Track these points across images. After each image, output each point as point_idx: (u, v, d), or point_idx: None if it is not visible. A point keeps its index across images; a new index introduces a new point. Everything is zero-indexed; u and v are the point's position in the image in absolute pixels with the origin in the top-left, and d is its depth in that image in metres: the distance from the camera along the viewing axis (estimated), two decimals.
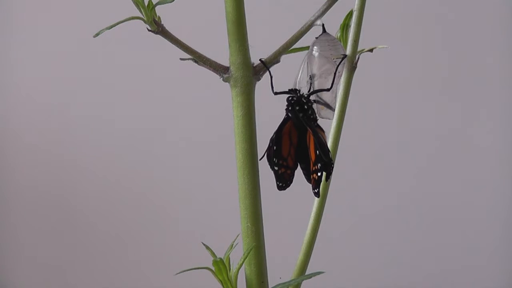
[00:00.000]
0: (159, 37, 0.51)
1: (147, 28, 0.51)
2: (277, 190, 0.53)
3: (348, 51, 0.56)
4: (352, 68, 0.56)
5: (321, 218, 0.57)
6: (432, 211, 1.16)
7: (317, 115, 0.52)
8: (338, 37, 0.57)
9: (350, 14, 0.57)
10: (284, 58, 0.52)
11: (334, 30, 0.55)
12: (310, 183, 0.52)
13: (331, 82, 0.51)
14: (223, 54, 0.53)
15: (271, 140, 0.52)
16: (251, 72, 0.51)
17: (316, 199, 0.57)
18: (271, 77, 0.51)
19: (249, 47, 0.51)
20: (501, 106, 1.15)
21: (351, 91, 0.57)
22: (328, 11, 0.51)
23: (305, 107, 0.51)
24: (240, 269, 0.50)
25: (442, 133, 1.16)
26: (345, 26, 0.57)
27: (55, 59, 1.19)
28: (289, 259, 0.67)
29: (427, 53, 1.15)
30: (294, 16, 0.84)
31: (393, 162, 1.16)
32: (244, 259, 0.50)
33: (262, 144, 0.52)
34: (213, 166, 1.18)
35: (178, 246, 1.19)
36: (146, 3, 0.50)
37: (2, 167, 1.21)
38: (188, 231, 1.19)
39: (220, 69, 0.51)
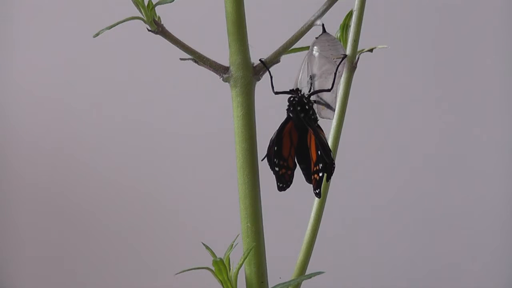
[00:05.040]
0: (159, 37, 0.51)
1: (147, 28, 0.51)
2: (277, 190, 0.53)
3: (348, 51, 0.56)
4: (352, 68, 0.56)
5: (321, 218, 0.57)
6: (433, 211, 1.16)
7: (317, 115, 0.52)
8: (338, 37, 0.57)
9: (350, 14, 0.57)
10: (284, 58, 0.52)
11: (334, 30, 0.55)
12: (310, 183, 0.52)
13: (331, 82, 0.51)
14: (223, 54, 0.53)
15: (272, 140, 0.52)
16: (251, 72, 0.51)
17: (316, 199, 0.57)
18: (271, 77, 0.51)
19: (249, 47, 0.51)
20: (501, 106, 1.15)
21: (351, 91, 0.57)
22: (328, 11, 0.51)
23: (307, 107, 0.51)
24: (240, 269, 0.50)
25: (442, 133, 1.16)
26: (345, 26, 0.57)
27: (56, 59, 1.19)
28: (289, 259, 0.67)
29: (427, 53, 1.15)
30: (294, 16, 0.84)
31: (393, 162, 1.16)
32: (244, 259, 0.50)
33: (262, 144, 0.52)
34: (213, 166, 1.18)
35: (178, 246, 1.19)
36: (146, 3, 0.50)
37: (3, 165, 1.21)
38: (188, 231, 1.19)
39: (220, 69, 0.51)
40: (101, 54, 1.18)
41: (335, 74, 0.51)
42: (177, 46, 0.51)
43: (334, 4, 0.51)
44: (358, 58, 0.56)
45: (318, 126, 0.52)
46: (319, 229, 0.57)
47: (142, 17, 0.50)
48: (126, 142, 1.19)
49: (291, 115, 0.52)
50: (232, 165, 0.53)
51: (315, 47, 0.52)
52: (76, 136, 1.20)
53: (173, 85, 1.18)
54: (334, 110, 0.53)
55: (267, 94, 0.54)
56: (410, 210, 1.16)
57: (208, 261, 0.50)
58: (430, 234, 1.16)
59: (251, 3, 0.58)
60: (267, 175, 0.54)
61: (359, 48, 0.56)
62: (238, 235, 0.51)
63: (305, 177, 0.53)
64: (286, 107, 0.52)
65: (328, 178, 0.51)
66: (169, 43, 0.51)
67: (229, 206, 1.00)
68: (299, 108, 0.51)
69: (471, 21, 1.14)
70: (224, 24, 0.51)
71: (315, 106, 0.52)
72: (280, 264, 0.73)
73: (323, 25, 0.51)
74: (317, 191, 0.51)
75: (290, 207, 1.09)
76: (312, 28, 0.51)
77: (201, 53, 0.52)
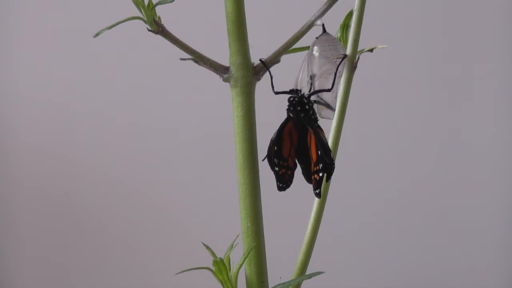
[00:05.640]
0: (159, 37, 0.51)
1: (147, 28, 0.51)
2: (277, 190, 0.53)
3: (348, 51, 0.56)
4: (352, 68, 0.56)
5: (321, 218, 0.57)
6: (432, 211, 1.16)
7: (317, 115, 0.52)
8: (338, 37, 0.57)
9: (350, 14, 0.57)
10: (284, 58, 0.52)
11: (334, 30, 0.55)
12: (309, 183, 0.52)
13: (331, 82, 0.51)
14: (223, 54, 0.53)
15: (272, 140, 0.52)
16: (251, 72, 0.51)
17: (316, 199, 0.57)
18: (271, 77, 0.51)
19: (249, 47, 0.51)
20: (501, 106, 1.15)
21: (351, 91, 0.57)
22: (328, 11, 0.51)
23: (307, 107, 0.51)
24: (240, 269, 0.50)
25: (442, 133, 1.16)
26: (345, 26, 0.57)
27: (56, 58, 1.19)
28: (289, 259, 0.67)
29: (427, 53, 1.15)
30: (294, 16, 0.84)
31: (393, 162, 1.16)
32: (244, 259, 0.50)
33: (262, 144, 0.52)
34: (213, 166, 1.18)
35: (178, 246, 1.19)
36: (146, 3, 0.50)
37: (3, 165, 1.21)
38: (188, 231, 1.19)
39: (220, 69, 0.51)
40: (101, 54, 1.18)
41: (335, 74, 0.51)
42: (177, 46, 0.51)
43: (334, 4, 0.51)
44: (358, 58, 0.56)
45: (318, 126, 0.52)
46: (319, 229, 0.57)
47: (142, 17, 0.50)
48: (126, 143, 1.19)
49: (291, 115, 0.52)
50: (232, 165, 0.53)
51: (315, 47, 0.52)
52: (76, 137, 1.20)
53: (173, 85, 1.18)
54: (334, 110, 0.53)
55: (267, 94, 0.54)
56: (410, 210, 1.16)
57: (208, 261, 0.50)
58: (430, 234, 1.16)
59: (251, 3, 0.58)
60: (267, 175, 0.54)
61: (359, 48, 0.56)
62: (238, 235, 0.51)
63: (305, 177, 0.53)
64: (286, 107, 0.52)
65: (328, 178, 0.51)
66: (169, 43, 0.51)
67: (229, 206, 1.00)
68: (299, 108, 0.51)
69: (472, 21, 1.14)
70: (224, 24, 0.51)
71: (315, 106, 0.52)
72: (280, 264, 0.73)
73: (323, 25, 0.51)
74: (317, 191, 0.51)
75: (290, 207, 1.09)
76: (312, 28, 0.51)
77: (201, 53, 0.52)
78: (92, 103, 1.19)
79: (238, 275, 0.50)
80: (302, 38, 0.52)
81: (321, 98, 0.52)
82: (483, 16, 1.13)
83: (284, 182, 0.53)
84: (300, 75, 0.52)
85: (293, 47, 0.52)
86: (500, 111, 1.15)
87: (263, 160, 0.52)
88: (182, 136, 1.19)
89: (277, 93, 0.52)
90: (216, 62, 0.51)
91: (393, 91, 1.16)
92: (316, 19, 0.51)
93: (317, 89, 0.52)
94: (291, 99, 0.52)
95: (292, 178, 0.53)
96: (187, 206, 1.19)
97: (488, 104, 1.15)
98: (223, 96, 0.64)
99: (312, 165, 0.51)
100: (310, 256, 0.57)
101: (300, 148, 0.52)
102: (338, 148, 0.57)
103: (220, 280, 0.50)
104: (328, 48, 0.51)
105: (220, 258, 0.49)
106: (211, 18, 1.00)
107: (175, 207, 1.19)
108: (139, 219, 1.20)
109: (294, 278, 0.54)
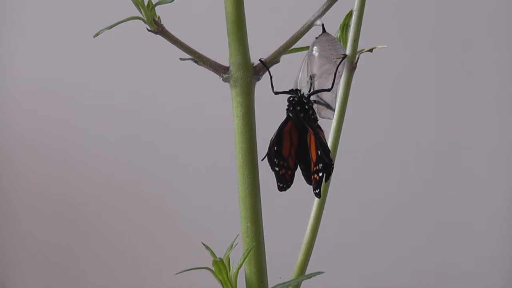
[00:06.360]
0: (159, 37, 0.51)
1: (147, 28, 0.51)
2: (278, 190, 0.53)
3: (348, 51, 0.56)
4: (352, 68, 0.56)
5: (321, 218, 0.57)
6: (432, 212, 1.16)
7: (317, 115, 0.52)
8: (338, 37, 0.57)
9: (350, 14, 0.57)
10: (284, 58, 0.52)
11: (334, 30, 0.55)
12: (309, 183, 0.52)
13: (331, 82, 0.51)
14: (223, 54, 0.53)
15: (272, 140, 0.52)
16: (251, 72, 0.51)
17: (316, 199, 0.57)
18: (271, 77, 0.51)
19: (249, 47, 0.51)
20: (501, 106, 1.15)
21: (351, 91, 0.57)
22: (328, 11, 0.51)
23: (306, 107, 0.51)
24: (240, 269, 0.50)
25: (442, 133, 1.16)
26: (345, 26, 0.57)
27: (56, 58, 1.19)
28: (289, 259, 0.67)
29: (427, 53, 1.15)
30: (294, 16, 0.84)
31: (393, 162, 1.16)
32: (244, 259, 0.50)
33: (262, 144, 0.52)
34: (213, 166, 1.18)
35: (178, 246, 1.19)
36: (146, 3, 0.50)
37: (3, 164, 1.21)
38: (188, 231, 1.19)
39: (220, 69, 0.51)
40: (101, 54, 1.18)
41: (335, 74, 0.51)
42: (177, 46, 0.51)
43: (334, 4, 0.51)
44: (358, 58, 0.56)
45: (318, 126, 0.52)
46: (319, 229, 0.57)
47: (142, 17, 0.50)
48: (125, 143, 1.19)
49: (290, 115, 0.52)
50: (232, 165, 0.53)
51: (315, 47, 0.52)
52: (77, 136, 1.20)
53: (172, 85, 1.18)
54: (334, 110, 0.53)
55: (267, 94, 0.54)
56: (410, 210, 1.16)
57: (208, 261, 0.50)
58: (430, 234, 1.16)
59: (251, 3, 0.58)
60: (267, 175, 0.54)
61: (359, 48, 0.56)
62: (238, 235, 0.51)
63: (305, 178, 0.53)
64: (286, 107, 0.52)
65: (327, 179, 0.51)
66: (169, 43, 0.51)
67: (229, 206, 1.00)
68: (298, 108, 0.51)
69: (471, 21, 1.14)
70: (224, 24, 0.51)
71: (315, 106, 0.52)
72: (280, 264, 0.73)
73: (323, 25, 0.51)
74: (317, 191, 0.51)
75: (290, 207, 1.09)
76: (312, 28, 0.51)
77: (201, 53, 0.52)
78: (92, 103, 1.19)
79: (238, 275, 0.50)
80: (302, 38, 0.52)
81: (321, 98, 0.52)
82: (483, 16, 1.13)
83: (284, 182, 0.53)
84: (300, 75, 0.52)
85: (293, 47, 0.52)
86: (500, 111, 1.15)
87: (262, 160, 0.52)
88: (182, 136, 1.19)
89: (277, 93, 0.52)
90: (216, 62, 0.51)
91: (393, 91, 1.16)
92: (316, 19, 0.51)
93: (317, 89, 0.52)
94: (291, 99, 0.52)
95: (293, 178, 0.53)
96: (187, 206, 1.19)
97: (488, 104, 1.15)
98: (223, 96, 0.64)
99: (312, 165, 0.51)
100: (310, 256, 0.57)
101: (300, 148, 0.52)
102: (338, 148, 0.57)
103: (220, 280, 0.50)
104: (328, 48, 0.51)
105: (220, 258, 0.49)
106: (211, 18, 1.00)
107: (175, 207, 1.19)
108: (140, 219, 1.20)
109: (294, 278, 0.54)
